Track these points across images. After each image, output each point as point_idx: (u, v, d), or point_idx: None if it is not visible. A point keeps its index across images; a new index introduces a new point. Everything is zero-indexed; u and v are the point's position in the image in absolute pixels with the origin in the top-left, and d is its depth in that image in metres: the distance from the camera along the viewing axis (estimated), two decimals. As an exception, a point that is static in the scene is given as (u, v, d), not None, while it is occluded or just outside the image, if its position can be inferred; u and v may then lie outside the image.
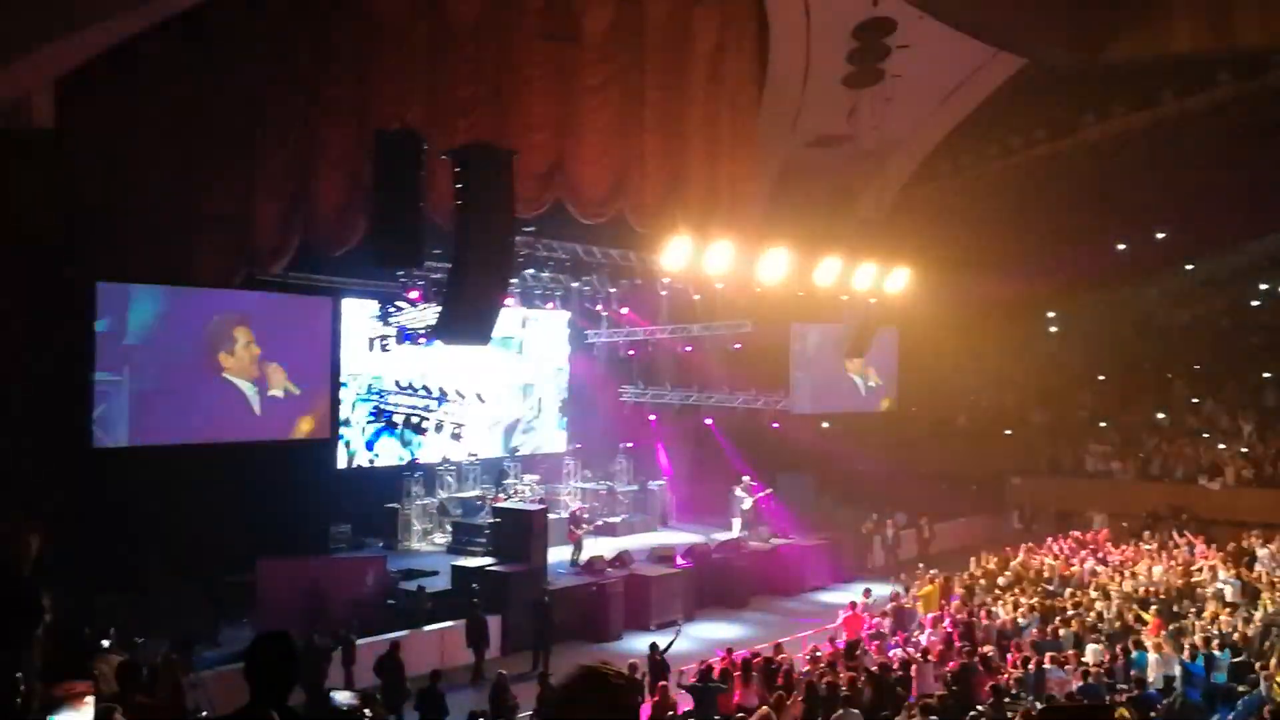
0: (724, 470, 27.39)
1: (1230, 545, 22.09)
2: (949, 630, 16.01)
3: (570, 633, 18.82)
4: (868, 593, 19.50)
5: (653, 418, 28.24)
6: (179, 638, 14.35)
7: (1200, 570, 20.40)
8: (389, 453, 24.48)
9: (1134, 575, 19.97)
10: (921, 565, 21.04)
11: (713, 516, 27.18)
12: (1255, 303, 34.67)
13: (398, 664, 14.73)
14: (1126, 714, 10.79)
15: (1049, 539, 24.70)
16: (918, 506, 27.88)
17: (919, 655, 14.65)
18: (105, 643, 13.37)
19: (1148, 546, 23.03)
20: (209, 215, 18.64)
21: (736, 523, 24.92)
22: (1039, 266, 33.18)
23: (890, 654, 15.38)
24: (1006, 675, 13.52)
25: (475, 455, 25.69)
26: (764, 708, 11.48)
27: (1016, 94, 27.08)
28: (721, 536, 24.55)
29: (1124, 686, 13.05)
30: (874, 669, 13.70)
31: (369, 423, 23.67)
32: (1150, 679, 13.33)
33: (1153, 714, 11.90)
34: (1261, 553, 21.46)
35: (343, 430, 22.98)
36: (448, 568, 20.27)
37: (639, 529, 26.52)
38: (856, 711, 11.63)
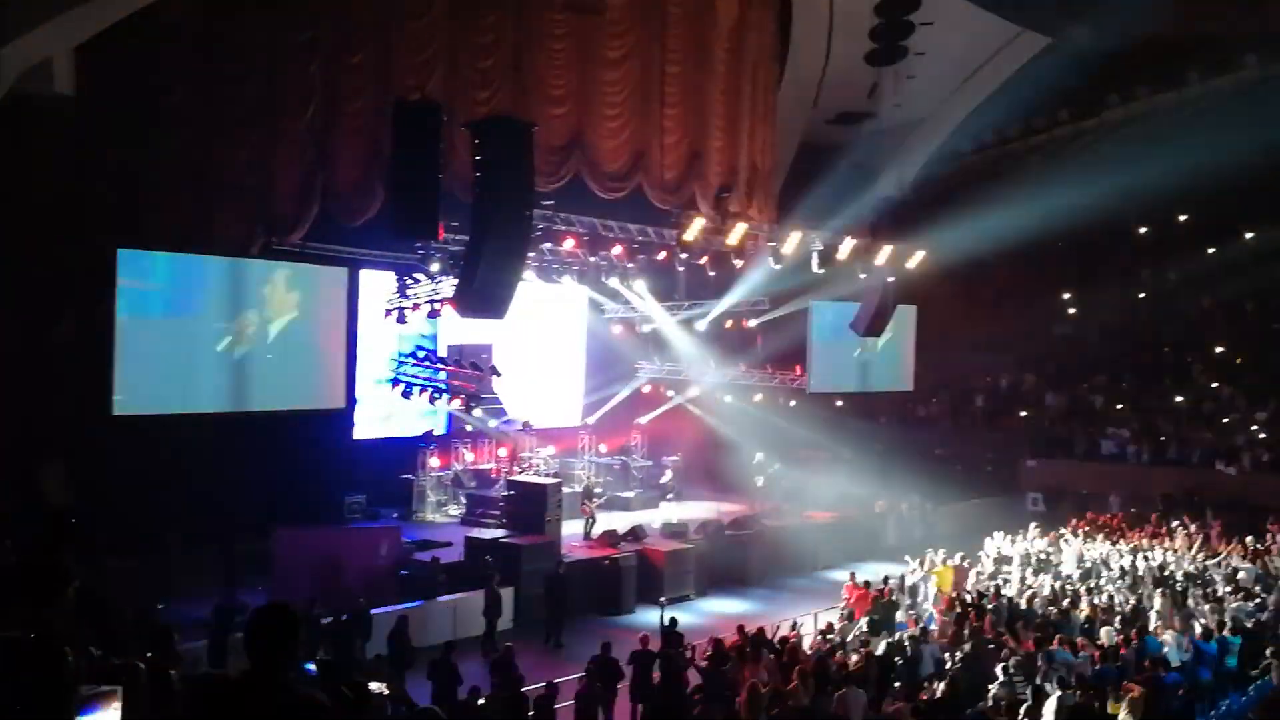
0: (739, 447, 27.44)
1: (1249, 533, 21.98)
2: (960, 610, 15.99)
3: (583, 605, 18.93)
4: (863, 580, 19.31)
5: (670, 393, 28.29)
6: (220, 604, 14.48)
7: (1217, 555, 20.37)
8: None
9: (1148, 558, 19.93)
10: (932, 548, 20.93)
11: (727, 493, 27.21)
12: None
13: (403, 634, 14.82)
14: (1136, 694, 10.75)
15: (1064, 520, 24.65)
16: (931, 487, 27.81)
17: (930, 635, 14.64)
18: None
19: (1182, 528, 22.87)
20: (228, 183, 18.67)
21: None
22: (1058, 247, 33.02)
23: (899, 634, 15.37)
24: (1017, 657, 13.48)
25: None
26: (756, 681, 11.47)
27: (1040, 73, 26.86)
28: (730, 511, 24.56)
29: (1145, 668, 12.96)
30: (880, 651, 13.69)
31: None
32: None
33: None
34: (1280, 539, 21.41)
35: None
36: (462, 539, 20.35)
37: (651, 504, 26.58)
38: (861, 691, 11.60)
